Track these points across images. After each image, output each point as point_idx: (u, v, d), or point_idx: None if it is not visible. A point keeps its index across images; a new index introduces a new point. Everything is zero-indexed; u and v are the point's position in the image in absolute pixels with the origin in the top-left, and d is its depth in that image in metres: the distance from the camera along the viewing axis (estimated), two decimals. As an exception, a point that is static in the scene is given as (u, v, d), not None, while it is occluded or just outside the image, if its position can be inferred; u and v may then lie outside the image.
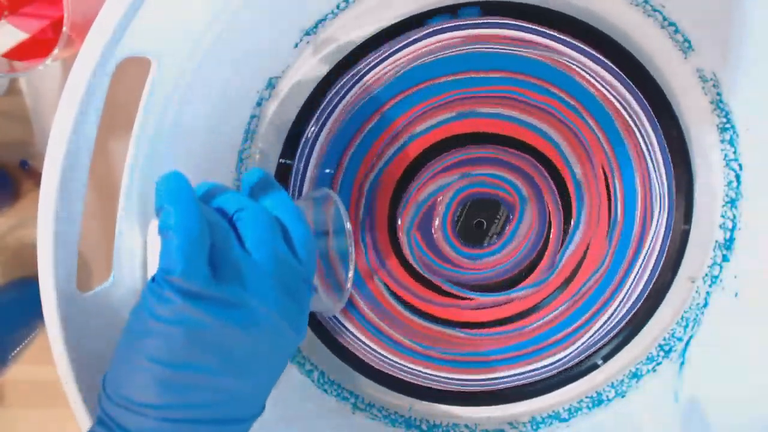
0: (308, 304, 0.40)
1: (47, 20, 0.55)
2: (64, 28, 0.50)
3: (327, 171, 0.58)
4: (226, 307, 0.35)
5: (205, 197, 0.40)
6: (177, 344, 0.34)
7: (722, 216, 0.55)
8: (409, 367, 0.60)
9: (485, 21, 0.54)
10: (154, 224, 0.37)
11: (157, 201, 0.36)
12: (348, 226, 0.46)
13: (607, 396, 0.58)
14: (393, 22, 0.54)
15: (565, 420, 0.59)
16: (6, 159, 0.65)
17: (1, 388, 0.69)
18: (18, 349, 0.64)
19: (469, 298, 0.60)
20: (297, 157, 0.57)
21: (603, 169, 0.57)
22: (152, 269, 0.36)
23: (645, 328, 0.58)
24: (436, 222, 0.59)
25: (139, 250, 0.45)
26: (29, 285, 0.65)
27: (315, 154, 0.57)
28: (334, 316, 0.60)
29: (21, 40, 0.55)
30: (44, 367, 0.66)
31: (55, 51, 0.51)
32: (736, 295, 0.54)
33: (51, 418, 0.69)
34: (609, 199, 0.57)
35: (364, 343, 0.60)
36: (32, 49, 0.55)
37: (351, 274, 0.46)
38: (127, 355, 0.35)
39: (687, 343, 0.56)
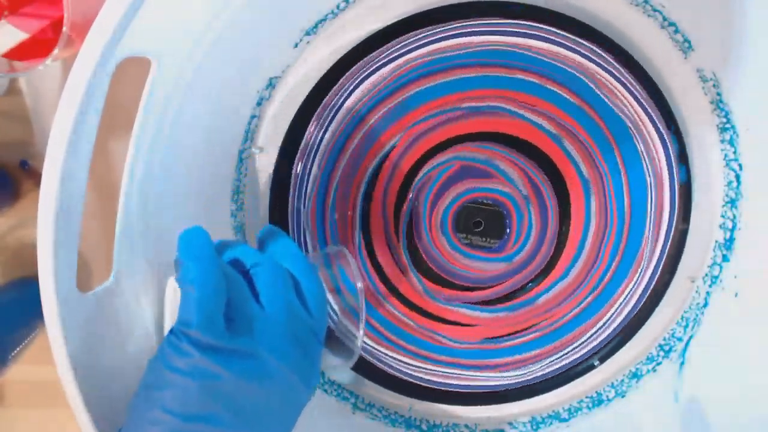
0: (319, 358, 0.42)
1: (47, 20, 0.55)
2: (64, 28, 0.50)
3: (336, 181, 0.58)
4: (240, 360, 0.36)
5: (221, 251, 0.42)
6: (192, 396, 0.35)
7: (722, 216, 0.55)
8: (410, 366, 0.60)
9: (484, 22, 0.54)
10: (172, 280, 0.39)
11: (179, 255, 0.38)
12: (359, 284, 0.47)
13: (607, 396, 0.58)
14: (393, 21, 0.54)
15: (565, 420, 0.59)
16: (6, 159, 0.65)
17: (1, 388, 0.69)
18: (18, 349, 0.63)
19: (469, 299, 0.60)
20: (297, 158, 0.57)
21: (602, 168, 0.57)
22: (170, 322, 0.38)
23: (645, 328, 0.58)
24: (436, 223, 0.59)
25: (139, 249, 0.45)
26: (29, 285, 0.65)
27: (316, 154, 0.57)
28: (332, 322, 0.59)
29: (21, 40, 0.55)
30: (44, 367, 0.66)
31: (55, 51, 0.51)
32: (736, 295, 0.53)
33: (51, 418, 0.68)
34: (608, 199, 0.57)
35: (364, 343, 0.60)
36: (32, 49, 0.55)
37: (361, 333, 0.47)
38: (143, 407, 0.36)
39: (687, 343, 0.56)
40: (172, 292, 0.39)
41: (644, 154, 0.55)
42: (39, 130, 0.63)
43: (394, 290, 0.60)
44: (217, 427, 0.35)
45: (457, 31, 0.54)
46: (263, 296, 0.39)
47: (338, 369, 0.50)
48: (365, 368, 0.60)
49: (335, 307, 0.48)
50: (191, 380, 0.35)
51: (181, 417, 0.34)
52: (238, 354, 0.36)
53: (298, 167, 0.57)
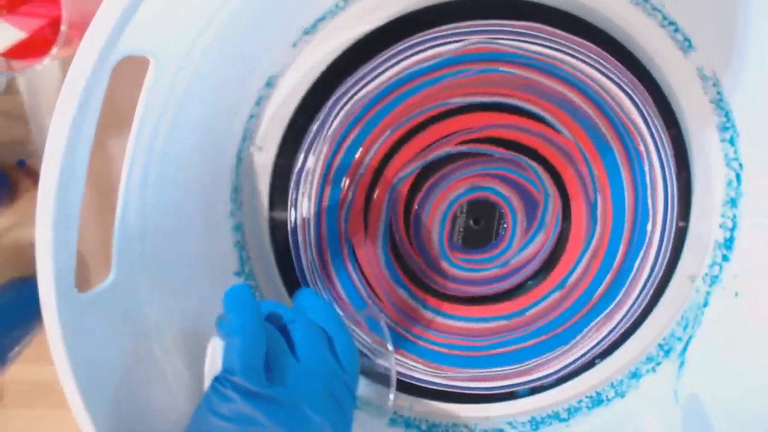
0: (352, 411, 0.43)
1: (45, 19, 0.55)
2: (63, 27, 0.50)
3: (335, 181, 0.58)
4: (278, 408, 0.38)
5: (260, 308, 0.43)
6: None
7: (722, 216, 0.55)
8: (410, 366, 0.60)
9: (484, 22, 0.54)
10: (214, 339, 0.41)
11: (224, 308, 0.41)
12: (390, 347, 0.49)
13: (607, 396, 0.58)
14: (391, 20, 0.55)
15: (565, 420, 0.59)
16: (3, 158, 0.65)
17: (1, 388, 0.69)
18: (17, 349, 0.63)
19: (470, 299, 0.60)
20: (296, 157, 0.57)
21: (602, 168, 0.56)
22: (211, 374, 0.40)
23: (644, 328, 0.58)
24: (435, 228, 0.60)
25: (137, 249, 0.44)
26: (28, 285, 0.65)
27: (316, 154, 0.57)
28: None
29: (19, 39, 0.54)
30: (44, 367, 0.66)
31: (54, 50, 0.51)
32: (736, 294, 0.53)
33: (51, 418, 0.68)
34: (608, 199, 0.57)
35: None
36: (30, 48, 0.55)
37: (392, 395, 0.49)
38: None
39: (687, 343, 0.56)
40: (212, 350, 0.41)
41: (644, 153, 0.55)
42: (37, 130, 0.63)
43: (395, 290, 0.60)
44: None
45: (456, 30, 0.54)
46: (299, 350, 0.42)
47: (370, 424, 0.53)
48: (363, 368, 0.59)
49: (366, 369, 0.50)
50: (233, 425, 0.37)
51: None
52: (277, 402, 0.38)
53: (297, 166, 0.57)
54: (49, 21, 0.55)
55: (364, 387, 0.51)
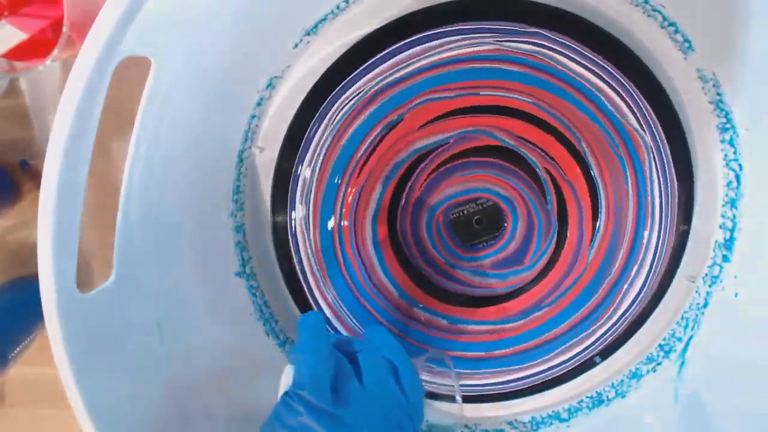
0: None
1: (47, 20, 0.55)
2: (64, 29, 0.50)
3: (336, 181, 0.58)
4: (340, 427, 0.39)
5: (332, 338, 0.46)
6: None
7: (722, 216, 0.54)
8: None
9: (484, 22, 0.54)
10: (288, 367, 0.43)
11: (297, 330, 0.44)
12: (459, 398, 0.51)
13: (607, 396, 0.58)
14: (391, 20, 0.54)
15: (565, 420, 0.59)
16: (6, 159, 0.65)
17: (1, 388, 0.69)
18: (18, 349, 0.63)
19: (471, 300, 0.60)
20: (298, 157, 0.57)
21: (602, 168, 0.57)
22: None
23: (645, 328, 0.58)
24: (435, 225, 0.60)
25: (139, 249, 0.44)
26: (29, 285, 0.65)
27: (316, 155, 0.57)
28: (332, 323, 0.60)
29: (21, 41, 0.55)
30: (44, 367, 0.66)
31: (55, 51, 0.51)
32: (736, 295, 0.53)
33: (51, 418, 0.68)
34: (608, 199, 0.57)
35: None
36: (32, 50, 0.55)
37: (460, 405, 0.51)
38: None
39: (687, 343, 0.56)
40: (286, 374, 0.43)
41: (644, 154, 0.55)
42: (39, 131, 0.63)
43: (395, 291, 0.61)
44: None
45: (457, 31, 0.54)
46: (365, 377, 0.43)
47: None
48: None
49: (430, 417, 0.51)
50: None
51: None
52: (339, 421, 0.40)
53: (298, 167, 0.57)
54: (51, 22, 0.56)
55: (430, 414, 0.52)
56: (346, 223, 0.59)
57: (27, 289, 0.65)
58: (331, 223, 0.59)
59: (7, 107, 0.63)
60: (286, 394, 0.41)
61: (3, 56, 0.55)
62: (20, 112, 0.63)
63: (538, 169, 0.58)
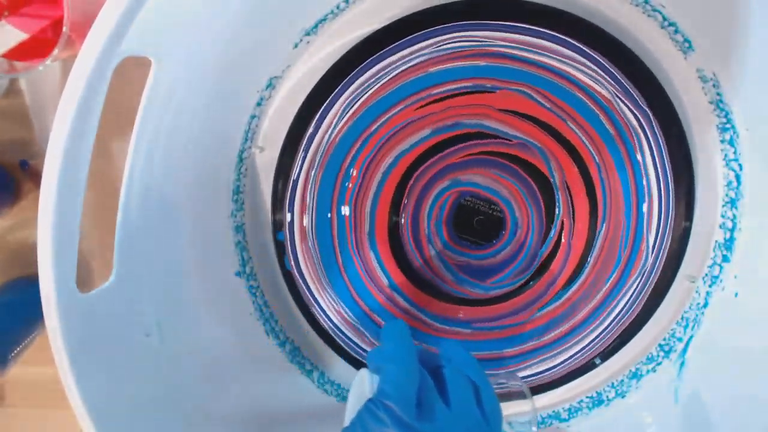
0: None
1: (47, 20, 0.55)
2: (64, 29, 0.50)
3: (331, 178, 0.58)
4: None
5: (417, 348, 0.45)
6: None
7: (722, 216, 0.54)
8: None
9: (484, 23, 0.54)
10: (363, 371, 0.45)
11: (382, 338, 0.44)
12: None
13: (607, 396, 0.58)
14: (392, 21, 0.55)
15: (565, 420, 0.59)
16: (6, 159, 0.65)
17: (1, 388, 0.69)
18: (18, 349, 0.63)
19: (471, 299, 0.60)
20: (297, 158, 0.57)
21: (602, 168, 0.56)
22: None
23: (645, 328, 0.58)
24: (434, 225, 0.60)
25: (139, 249, 0.44)
26: (29, 285, 0.65)
27: (316, 155, 0.57)
28: (332, 321, 0.60)
29: (21, 41, 0.55)
30: (44, 367, 0.66)
31: (55, 51, 0.51)
32: (736, 295, 0.53)
33: (51, 418, 0.68)
34: (608, 200, 0.57)
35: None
36: (32, 50, 0.55)
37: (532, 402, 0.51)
38: None
39: (687, 343, 0.56)
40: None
41: (644, 153, 0.55)
42: (39, 130, 0.63)
43: (396, 289, 0.60)
44: None
45: (458, 31, 0.54)
46: (451, 395, 0.42)
47: None
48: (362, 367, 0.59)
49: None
50: None
51: None
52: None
53: (298, 167, 0.57)
54: (51, 22, 0.55)
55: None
56: (345, 218, 0.59)
57: (27, 289, 0.65)
58: (329, 223, 0.59)
59: (7, 107, 0.63)
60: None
61: (3, 56, 0.55)
62: (20, 112, 0.63)
63: (543, 157, 0.58)
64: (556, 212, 0.59)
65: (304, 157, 0.57)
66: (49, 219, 0.35)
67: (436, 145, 0.59)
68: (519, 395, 0.51)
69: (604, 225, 0.57)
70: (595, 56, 0.53)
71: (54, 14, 0.55)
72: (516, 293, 0.60)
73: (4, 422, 0.69)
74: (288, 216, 0.58)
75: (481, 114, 0.57)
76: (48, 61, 0.52)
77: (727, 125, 0.53)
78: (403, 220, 0.60)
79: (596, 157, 0.56)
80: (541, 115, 0.56)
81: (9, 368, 0.63)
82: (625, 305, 0.57)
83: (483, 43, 0.54)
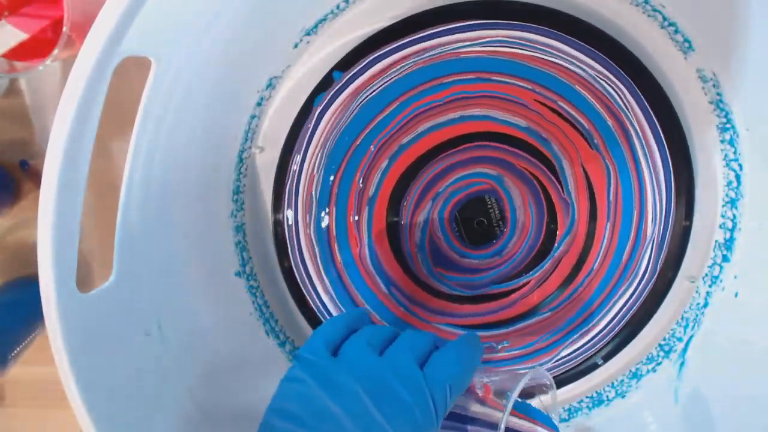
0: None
1: (47, 20, 0.55)
2: (64, 29, 0.50)
3: (330, 178, 0.58)
4: (323, 379, 0.40)
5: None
6: (284, 394, 0.40)
7: (722, 216, 0.54)
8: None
9: (487, 22, 0.54)
10: None
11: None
12: (551, 382, 0.48)
13: (607, 396, 0.58)
14: (392, 22, 0.55)
15: (565, 420, 0.59)
16: (6, 159, 0.65)
17: (1, 388, 0.69)
18: (18, 349, 0.63)
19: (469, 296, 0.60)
20: (294, 159, 0.57)
21: (603, 168, 0.56)
22: None
23: (645, 328, 0.57)
24: (436, 226, 0.60)
25: (139, 249, 0.44)
26: (29, 285, 0.65)
27: (316, 155, 0.57)
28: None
29: (21, 40, 0.55)
30: (44, 367, 0.65)
31: (55, 51, 0.51)
32: (736, 295, 0.53)
33: (51, 418, 0.68)
34: (608, 198, 0.57)
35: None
36: (32, 50, 0.55)
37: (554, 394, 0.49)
38: None
39: (687, 343, 0.56)
40: None
41: (644, 154, 0.55)
42: (39, 130, 0.63)
43: (395, 288, 0.60)
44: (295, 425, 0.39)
45: (458, 32, 0.54)
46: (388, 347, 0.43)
47: None
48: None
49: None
50: (285, 383, 0.41)
51: (270, 409, 0.40)
52: (325, 373, 0.40)
53: (297, 166, 0.57)
54: (51, 22, 0.55)
55: None
56: (348, 224, 0.59)
57: (27, 289, 0.65)
58: (327, 221, 0.59)
59: (7, 107, 0.63)
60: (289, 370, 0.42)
61: (3, 56, 0.55)
62: (20, 112, 0.63)
63: (550, 151, 0.58)
64: (557, 211, 0.58)
65: (304, 157, 0.57)
66: (49, 219, 0.35)
67: (437, 145, 0.58)
68: (544, 388, 0.50)
69: (605, 225, 0.57)
70: (595, 55, 0.53)
71: (54, 14, 0.55)
72: (515, 292, 0.60)
73: (4, 422, 0.69)
74: (288, 216, 0.58)
75: (487, 105, 0.57)
76: (48, 61, 0.52)
77: (727, 125, 0.52)
78: (403, 221, 0.59)
79: (594, 158, 0.56)
80: (532, 113, 0.57)
81: (9, 368, 0.63)
82: (624, 305, 0.57)
83: (483, 42, 0.54)
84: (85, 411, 0.37)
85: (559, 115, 0.56)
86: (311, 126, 0.57)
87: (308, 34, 0.55)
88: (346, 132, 0.57)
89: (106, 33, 0.34)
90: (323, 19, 0.54)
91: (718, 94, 0.52)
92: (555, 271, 0.59)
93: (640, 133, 0.54)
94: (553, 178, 0.58)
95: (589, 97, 0.55)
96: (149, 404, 0.44)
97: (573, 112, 0.56)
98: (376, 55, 0.55)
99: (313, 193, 0.57)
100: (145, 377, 0.44)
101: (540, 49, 0.54)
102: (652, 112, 0.53)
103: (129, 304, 0.43)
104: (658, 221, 0.55)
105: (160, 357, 0.46)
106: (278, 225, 0.59)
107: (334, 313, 0.59)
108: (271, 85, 0.56)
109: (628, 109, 0.54)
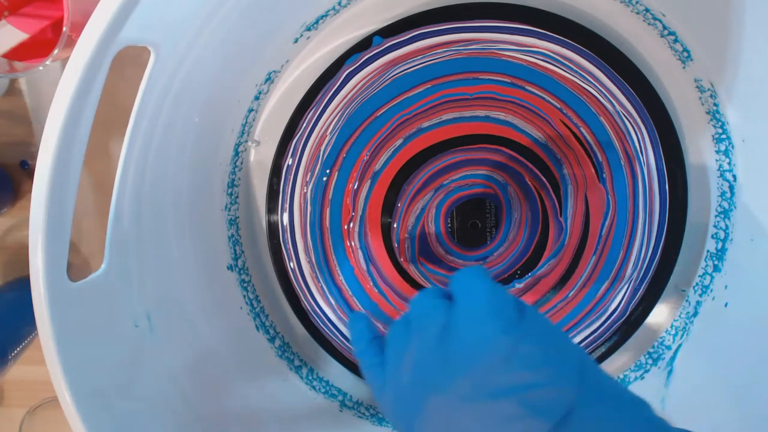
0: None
1: (47, 20, 0.55)
2: (65, 29, 0.49)
3: (326, 172, 0.57)
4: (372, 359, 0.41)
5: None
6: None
7: (714, 226, 0.53)
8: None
9: (484, 24, 0.53)
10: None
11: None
12: None
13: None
14: (392, 21, 0.54)
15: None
16: (6, 159, 0.64)
17: (1, 388, 0.68)
18: (18, 349, 0.62)
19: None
20: (290, 154, 0.56)
21: (598, 175, 0.55)
22: None
23: (634, 336, 0.56)
24: (432, 229, 0.59)
25: (131, 238, 0.43)
26: (29, 285, 0.63)
27: (311, 151, 0.56)
28: (329, 320, 0.58)
29: (21, 41, 0.54)
30: (44, 367, 0.63)
31: (55, 51, 0.50)
32: (726, 305, 0.52)
33: (51, 418, 0.66)
34: (600, 233, 0.56)
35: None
36: (32, 50, 0.54)
37: None
38: None
39: (675, 352, 0.55)
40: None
41: (638, 161, 0.54)
42: (39, 131, 0.62)
43: (389, 285, 0.59)
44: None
45: (458, 32, 0.53)
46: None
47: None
48: (354, 366, 0.58)
49: None
50: None
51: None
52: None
53: (294, 163, 0.56)
54: (52, 22, 0.55)
55: None
56: (340, 214, 0.58)
57: (27, 288, 0.63)
58: (322, 219, 0.57)
59: (8, 107, 0.63)
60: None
61: (3, 56, 0.54)
62: (20, 112, 0.62)
63: (560, 173, 0.56)
64: (549, 232, 0.57)
65: (301, 153, 0.56)
66: (42, 208, 0.34)
67: (454, 138, 0.57)
68: None
69: (590, 257, 0.56)
70: (593, 62, 0.52)
71: (54, 14, 0.55)
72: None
73: (4, 422, 0.68)
74: (282, 211, 0.57)
75: (513, 111, 0.56)
76: (48, 61, 0.51)
77: (723, 136, 0.52)
78: (400, 204, 0.58)
79: (589, 165, 0.55)
80: (528, 118, 0.56)
81: (9, 368, 0.61)
82: (614, 312, 0.55)
83: (528, 51, 0.53)
84: (71, 402, 0.36)
85: (579, 140, 0.55)
86: (337, 83, 0.55)
87: (309, 29, 0.54)
88: (371, 100, 0.56)
89: (106, 20, 0.32)
90: (324, 15, 0.54)
91: (715, 104, 0.51)
92: (532, 290, 0.58)
93: (635, 141, 0.53)
94: (555, 198, 0.56)
95: (611, 132, 0.54)
96: (137, 396, 0.42)
97: (592, 142, 0.55)
98: (421, 31, 0.54)
99: (309, 188, 0.56)
100: (133, 368, 0.43)
101: (579, 74, 0.53)
102: (648, 120, 0.52)
103: (118, 293, 0.42)
104: (649, 229, 0.54)
105: (149, 348, 0.44)
106: (272, 220, 0.58)
107: (327, 309, 0.58)
108: (269, 80, 0.55)
109: (623, 117, 0.53)
